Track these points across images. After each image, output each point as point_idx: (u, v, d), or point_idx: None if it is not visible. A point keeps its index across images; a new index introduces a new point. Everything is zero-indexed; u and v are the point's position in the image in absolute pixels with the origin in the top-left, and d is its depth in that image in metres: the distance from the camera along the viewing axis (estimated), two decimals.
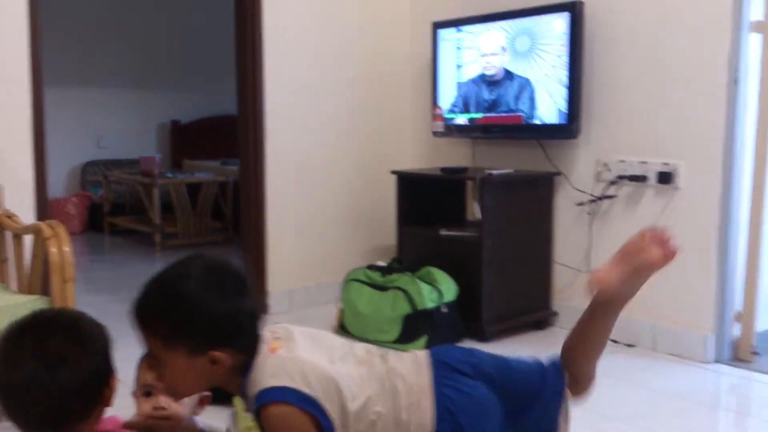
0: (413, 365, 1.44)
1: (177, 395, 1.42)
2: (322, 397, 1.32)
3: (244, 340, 1.35)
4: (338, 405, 1.33)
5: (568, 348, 1.56)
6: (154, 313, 1.32)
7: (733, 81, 2.88)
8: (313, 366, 1.34)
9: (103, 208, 6.42)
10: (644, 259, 1.48)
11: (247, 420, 1.66)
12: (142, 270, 5.08)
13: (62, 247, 2.34)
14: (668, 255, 1.47)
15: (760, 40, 2.91)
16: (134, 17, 6.96)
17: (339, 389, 1.34)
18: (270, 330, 1.40)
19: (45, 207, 3.15)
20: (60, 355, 1.26)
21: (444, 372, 1.43)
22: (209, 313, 1.30)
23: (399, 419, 1.38)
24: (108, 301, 4.04)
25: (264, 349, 1.36)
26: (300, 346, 1.38)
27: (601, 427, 2.41)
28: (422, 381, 1.42)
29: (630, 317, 3.23)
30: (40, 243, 2.48)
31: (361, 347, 1.47)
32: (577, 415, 2.53)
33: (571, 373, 1.53)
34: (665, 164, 3.07)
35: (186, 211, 5.85)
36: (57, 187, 6.44)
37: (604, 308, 1.50)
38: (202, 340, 1.30)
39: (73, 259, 2.37)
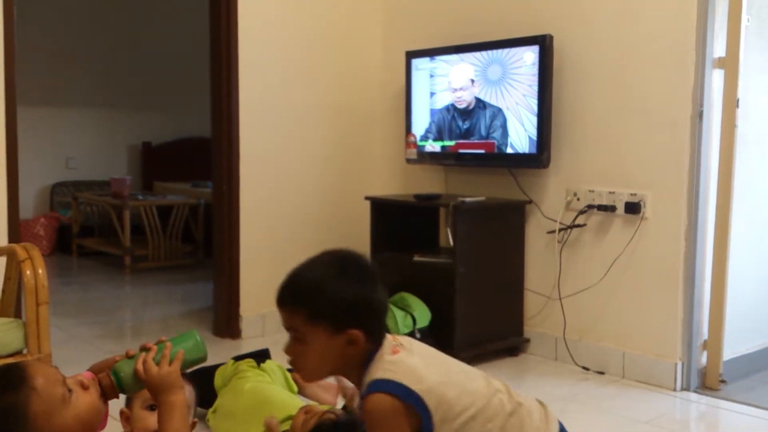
0: (541, 411, 1.53)
1: (311, 376, 1.52)
2: (428, 400, 1.40)
3: (375, 326, 1.46)
4: (442, 413, 1.41)
5: None
6: (300, 293, 1.45)
7: (698, 115, 2.97)
8: (427, 375, 1.43)
9: (71, 230, 6.35)
10: None
11: None
12: (110, 293, 5.04)
13: (37, 270, 2.34)
14: None
15: (722, 75, 3.01)
16: (105, 38, 6.95)
17: (448, 400, 1.42)
18: (393, 337, 1.51)
19: (17, 229, 3.13)
20: None
21: None
22: (349, 294, 1.43)
23: None
24: (76, 324, 4.00)
25: (387, 348, 1.46)
26: (418, 356, 1.48)
27: None
28: (551, 428, 1.50)
29: (600, 345, 3.28)
30: (14, 265, 2.46)
31: (477, 373, 1.55)
32: None
33: None
34: (632, 194, 3.15)
35: (156, 233, 5.81)
36: (25, 208, 6.36)
37: None
38: (342, 319, 1.42)
39: (46, 282, 2.36)
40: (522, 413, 1.48)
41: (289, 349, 1.47)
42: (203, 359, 1.51)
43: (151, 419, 1.53)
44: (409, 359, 1.45)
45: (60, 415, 1.32)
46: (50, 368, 1.39)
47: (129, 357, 1.47)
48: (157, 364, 1.44)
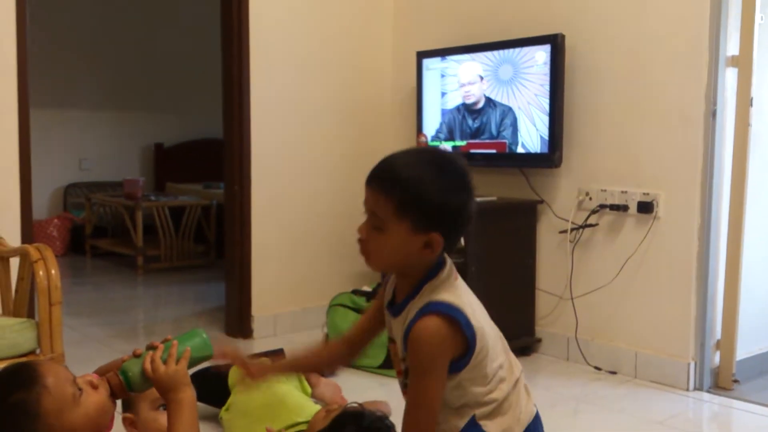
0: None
1: (377, 265, 1.45)
2: (479, 338, 1.38)
3: (455, 237, 1.42)
4: (480, 354, 1.40)
5: None
6: (398, 182, 1.38)
7: (711, 114, 2.96)
8: (478, 316, 1.42)
9: (85, 231, 6.39)
10: None
11: None
12: (123, 293, 5.07)
13: (50, 271, 2.35)
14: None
15: (735, 74, 2.99)
16: (117, 40, 6.99)
17: (485, 343, 1.40)
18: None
19: (30, 229, 3.15)
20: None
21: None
22: (444, 198, 1.37)
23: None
24: (89, 324, 4.03)
25: (452, 269, 1.43)
26: (469, 294, 1.46)
27: None
28: (531, 409, 1.50)
29: (612, 345, 3.27)
30: (27, 266, 2.48)
31: (499, 334, 1.53)
32: None
33: None
34: (645, 194, 3.13)
35: (169, 234, 5.84)
36: (39, 209, 6.40)
37: None
38: (430, 220, 1.36)
39: (59, 283, 2.38)
40: (519, 387, 1.49)
41: (363, 230, 1.41)
42: (209, 357, 1.52)
43: (163, 419, 1.54)
44: (466, 294, 1.44)
45: (70, 414, 1.33)
46: (61, 367, 1.41)
47: (136, 356, 1.48)
48: (164, 362, 1.45)
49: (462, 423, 1.42)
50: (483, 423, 1.42)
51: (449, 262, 1.45)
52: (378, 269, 1.54)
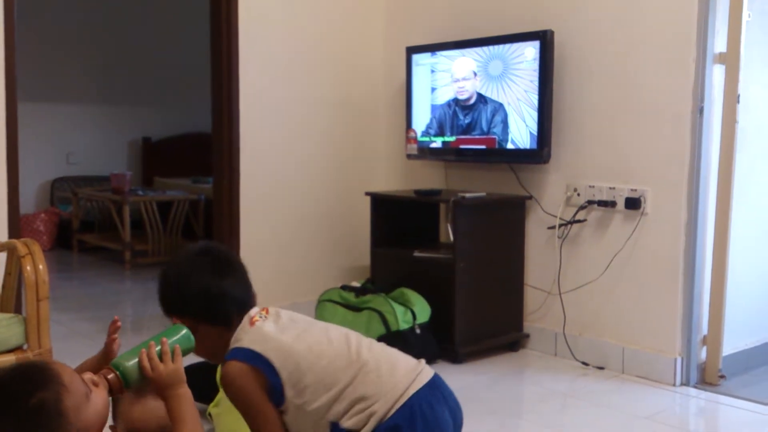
0: (390, 367, 1.58)
1: (210, 359, 1.67)
2: (275, 358, 1.52)
3: (215, 315, 1.58)
4: (292, 369, 1.52)
5: None
6: (160, 297, 1.64)
7: (698, 110, 2.97)
8: (276, 336, 1.56)
9: (72, 225, 6.35)
10: None
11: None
12: (111, 288, 5.04)
13: (37, 265, 2.33)
14: None
15: (723, 71, 3.00)
16: (105, 33, 6.94)
17: (295, 358, 1.53)
18: (264, 309, 1.63)
19: (17, 224, 3.13)
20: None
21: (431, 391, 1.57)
22: (183, 292, 1.58)
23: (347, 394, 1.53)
24: (77, 320, 4.01)
25: (245, 323, 1.59)
26: (281, 322, 1.60)
27: None
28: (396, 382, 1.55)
29: (600, 340, 3.29)
30: (15, 261, 2.46)
31: (338, 333, 1.63)
32: None
33: None
34: (633, 190, 3.15)
35: (157, 229, 5.81)
36: (26, 204, 6.36)
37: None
38: (190, 314, 1.57)
39: (47, 278, 2.36)
40: (367, 370, 1.55)
41: None
42: (192, 350, 1.59)
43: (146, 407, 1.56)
44: (265, 326, 1.57)
45: (85, 411, 1.35)
46: (69, 367, 1.41)
47: (109, 356, 1.56)
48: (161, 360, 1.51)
49: None
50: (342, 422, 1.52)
51: (248, 315, 1.60)
52: (214, 361, 1.73)
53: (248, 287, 1.65)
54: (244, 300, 1.63)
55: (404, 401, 1.52)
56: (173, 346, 1.52)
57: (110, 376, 1.47)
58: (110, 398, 1.46)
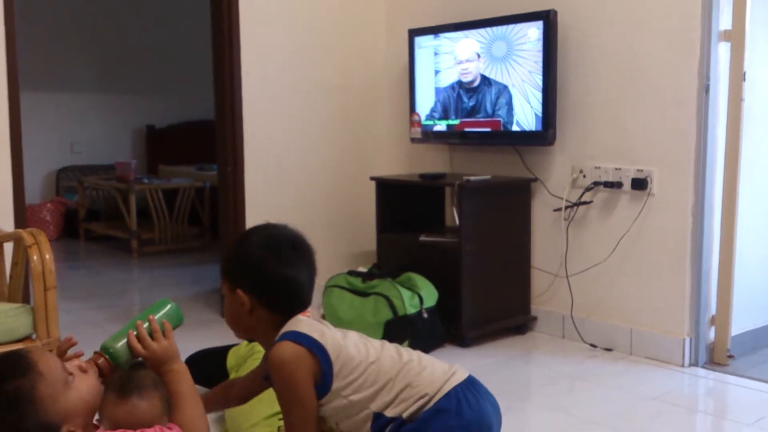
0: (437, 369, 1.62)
1: (242, 334, 1.68)
2: (331, 348, 1.54)
3: (281, 307, 1.59)
4: (343, 363, 1.55)
5: None
6: (232, 266, 1.65)
7: (704, 89, 2.95)
8: (328, 330, 1.59)
9: (78, 214, 6.36)
10: None
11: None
12: (118, 276, 5.06)
13: (44, 255, 2.34)
14: None
15: (728, 49, 2.98)
16: (109, 21, 6.92)
17: (347, 352, 1.56)
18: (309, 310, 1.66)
19: (23, 214, 3.14)
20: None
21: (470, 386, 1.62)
22: (262, 275, 1.59)
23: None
24: (84, 308, 4.02)
25: (297, 314, 1.61)
26: (321, 322, 1.63)
27: (581, 430, 2.45)
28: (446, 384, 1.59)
29: (608, 322, 3.28)
30: (21, 251, 2.47)
31: (375, 341, 1.67)
32: (556, 419, 2.59)
33: None
34: (639, 171, 3.13)
35: (163, 217, 5.82)
36: (32, 193, 6.37)
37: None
38: (256, 295, 1.58)
39: (54, 267, 2.37)
40: (411, 366, 1.59)
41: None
42: (181, 324, 1.61)
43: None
44: (315, 321, 1.59)
45: (64, 398, 1.38)
46: (51, 354, 1.45)
47: (71, 344, 1.56)
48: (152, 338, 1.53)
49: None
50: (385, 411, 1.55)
51: (296, 304, 1.62)
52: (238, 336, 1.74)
53: (313, 288, 1.67)
54: (310, 300, 1.66)
55: (448, 389, 1.56)
56: (161, 322, 1.53)
57: (100, 360, 1.49)
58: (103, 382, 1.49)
